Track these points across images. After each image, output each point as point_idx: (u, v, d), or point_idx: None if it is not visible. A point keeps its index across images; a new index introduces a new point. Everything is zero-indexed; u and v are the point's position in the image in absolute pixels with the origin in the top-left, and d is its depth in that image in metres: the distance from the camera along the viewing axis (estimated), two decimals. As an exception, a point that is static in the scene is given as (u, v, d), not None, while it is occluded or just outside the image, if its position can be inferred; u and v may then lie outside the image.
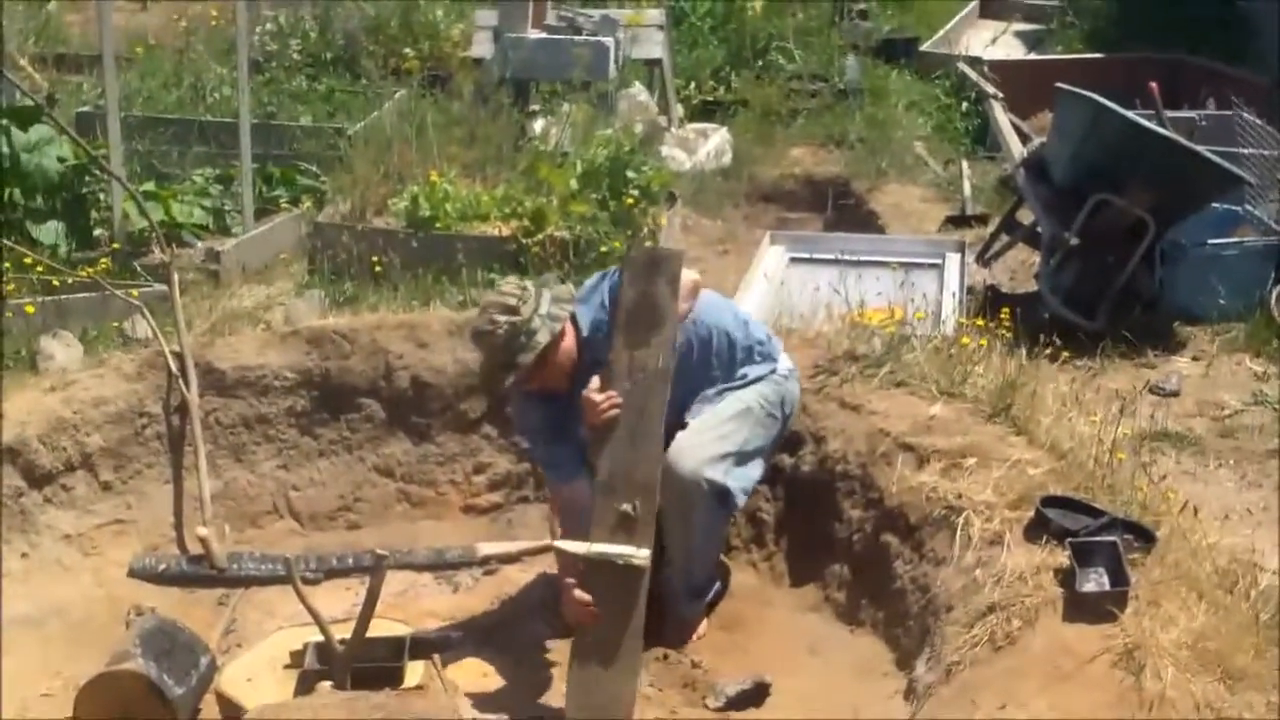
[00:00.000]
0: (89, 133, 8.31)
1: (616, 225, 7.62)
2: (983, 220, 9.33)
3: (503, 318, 4.61)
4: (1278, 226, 7.78)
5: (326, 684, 4.38)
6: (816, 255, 7.77)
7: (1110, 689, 3.69)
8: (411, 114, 9.30)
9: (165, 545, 5.69)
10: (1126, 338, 7.06)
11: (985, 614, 4.20)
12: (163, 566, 5.52)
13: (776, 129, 11.84)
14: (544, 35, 10.57)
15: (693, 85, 12.76)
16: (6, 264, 6.80)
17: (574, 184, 7.86)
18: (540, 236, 7.47)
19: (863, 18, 14.22)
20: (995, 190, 10.03)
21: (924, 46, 13.64)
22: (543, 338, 4.61)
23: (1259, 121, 8.29)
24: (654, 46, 11.31)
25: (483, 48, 10.99)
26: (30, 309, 6.35)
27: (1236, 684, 3.67)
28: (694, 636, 5.03)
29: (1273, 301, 7.46)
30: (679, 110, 11.82)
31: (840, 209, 10.37)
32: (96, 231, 7.85)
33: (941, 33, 14.02)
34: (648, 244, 4.51)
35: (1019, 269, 8.51)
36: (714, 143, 11.19)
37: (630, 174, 7.96)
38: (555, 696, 4.57)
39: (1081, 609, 4.02)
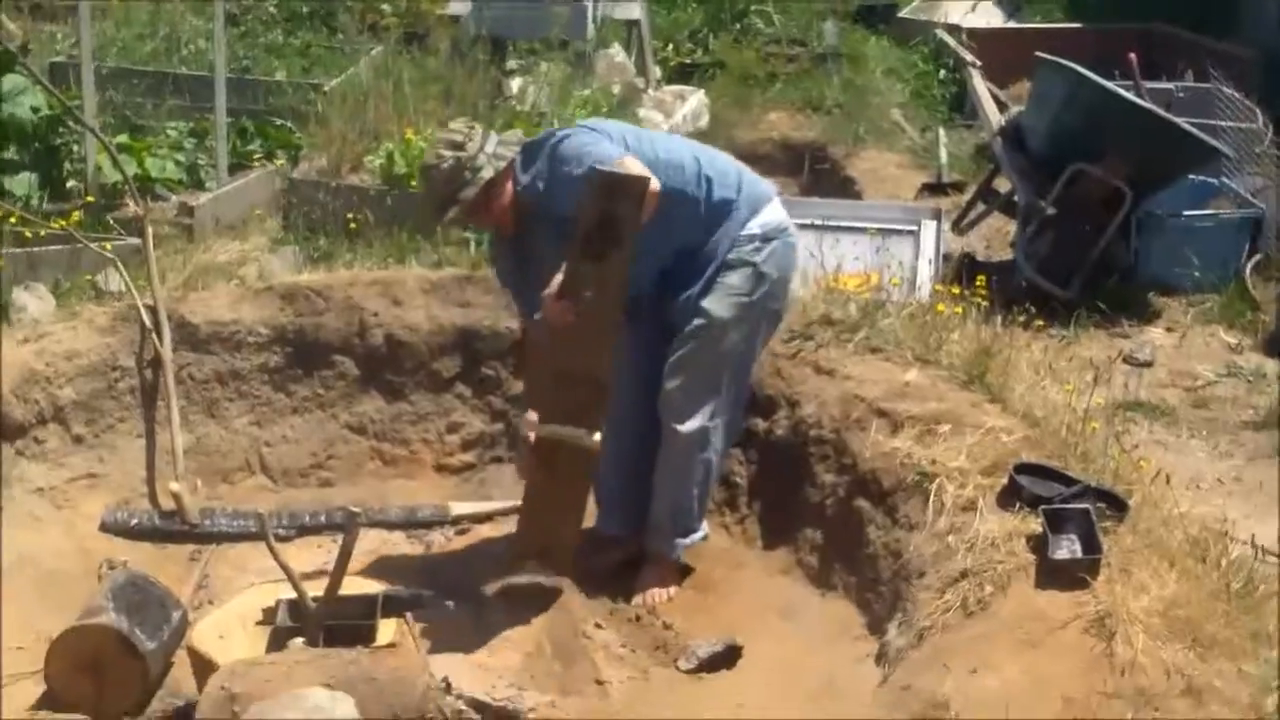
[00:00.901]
0: (63, 83, 8.23)
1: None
2: (959, 188, 9.35)
3: (449, 153, 4.74)
4: (1253, 199, 7.81)
5: (299, 641, 4.37)
6: (793, 219, 7.76)
7: (1082, 655, 3.71)
8: (388, 71, 9.25)
9: (137, 500, 5.66)
10: (1101, 307, 7.09)
11: (957, 579, 4.21)
12: (135, 521, 5.50)
13: (754, 93, 11.82)
14: (522, -6, 10.52)
15: (670, 47, 12.73)
16: (-22, 214, 6.75)
17: (551, 144, 7.81)
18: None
19: (842, -18, 14.20)
20: (972, 158, 10.05)
21: (903, 13, 13.63)
22: (486, 174, 4.73)
23: (1237, 95, 8.31)
24: (632, 7, 11.28)
25: (460, 5, 10.94)
26: (1, 263, 6.29)
27: (1207, 651, 3.69)
28: (670, 588, 5.07)
29: (1247, 273, 7.50)
30: (656, 72, 11.78)
31: (817, 174, 10.36)
32: (69, 183, 7.78)
33: (920, -1, 14.01)
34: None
35: (995, 237, 8.53)
36: (691, 105, 11.15)
37: (607, 135, 7.91)
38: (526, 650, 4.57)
39: (1054, 576, 4.03)
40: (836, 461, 5.19)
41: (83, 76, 7.53)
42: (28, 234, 6.58)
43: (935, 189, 9.41)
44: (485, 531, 5.57)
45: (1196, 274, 7.50)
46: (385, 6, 11.67)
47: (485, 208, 4.80)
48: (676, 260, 4.90)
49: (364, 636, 4.44)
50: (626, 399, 4.97)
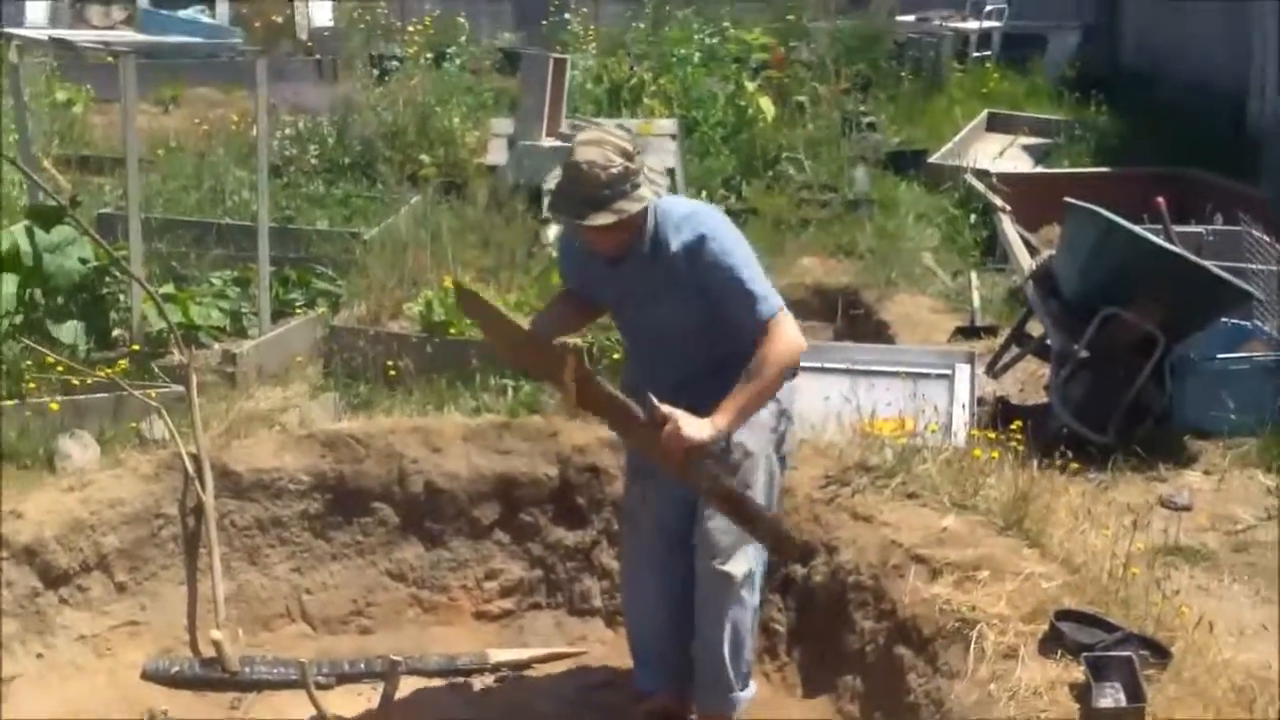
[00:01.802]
0: (110, 234, 8.40)
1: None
2: (992, 331, 9.37)
3: (619, 159, 4.45)
4: (1287, 342, 7.82)
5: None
6: (827, 364, 7.81)
7: (1127, 806, 3.69)
8: (427, 219, 9.40)
9: (179, 647, 5.70)
10: (1137, 451, 7.08)
11: (1000, 729, 4.20)
12: (176, 669, 5.53)
13: (787, 238, 11.92)
14: (558, 143, 10.71)
15: (704, 194, 12.87)
16: (27, 363, 6.85)
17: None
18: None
19: (871, 130, 14.39)
20: (1004, 302, 10.08)
21: (932, 158, 13.77)
22: (646, 193, 4.53)
23: (1266, 238, 8.36)
24: (666, 155, 11.45)
25: (498, 155, 11.14)
26: (54, 406, 6.39)
27: (1253, 803, 3.67)
28: None
29: (1284, 416, 7.48)
30: (691, 218, 11.90)
31: (850, 318, 10.41)
32: (115, 332, 7.90)
33: (949, 145, 14.15)
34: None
35: (1029, 381, 8.54)
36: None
37: (643, 281, 8.01)
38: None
39: (1097, 725, 4.02)
40: (875, 608, 5.19)
41: (130, 228, 7.68)
42: (75, 382, 6.68)
43: (968, 333, 9.45)
44: (525, 678, 5.56)
45: (1233, 417, 7.48)
46: (424, 157, 11.90)
47: (625, 229, 4.56)
48: (711, 378, 4.69)
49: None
50: (658, 550, 4.99)
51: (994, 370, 8.25)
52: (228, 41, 15.56)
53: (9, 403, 6.47)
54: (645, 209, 4.57)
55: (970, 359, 7.69)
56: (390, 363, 7.44)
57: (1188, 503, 6.74)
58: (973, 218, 12.17)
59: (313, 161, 11.98)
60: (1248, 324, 7.80)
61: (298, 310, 8.85)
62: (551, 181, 4.57)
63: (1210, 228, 9.72)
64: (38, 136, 10.91)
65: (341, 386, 7.48)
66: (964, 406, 7.32)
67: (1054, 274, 8.03)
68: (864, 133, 14.15)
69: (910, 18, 19.31)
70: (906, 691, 4.83)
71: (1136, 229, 7.57)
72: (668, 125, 11.88)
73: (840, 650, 5.29)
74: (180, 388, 6.58)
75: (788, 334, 4.62)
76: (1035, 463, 5.71)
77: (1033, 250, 9.65)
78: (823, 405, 6.34)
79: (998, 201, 11.00)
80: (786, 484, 5.21)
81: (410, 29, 15.69)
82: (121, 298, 7.95)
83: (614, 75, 14.57)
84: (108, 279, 7.93)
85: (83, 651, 5.48)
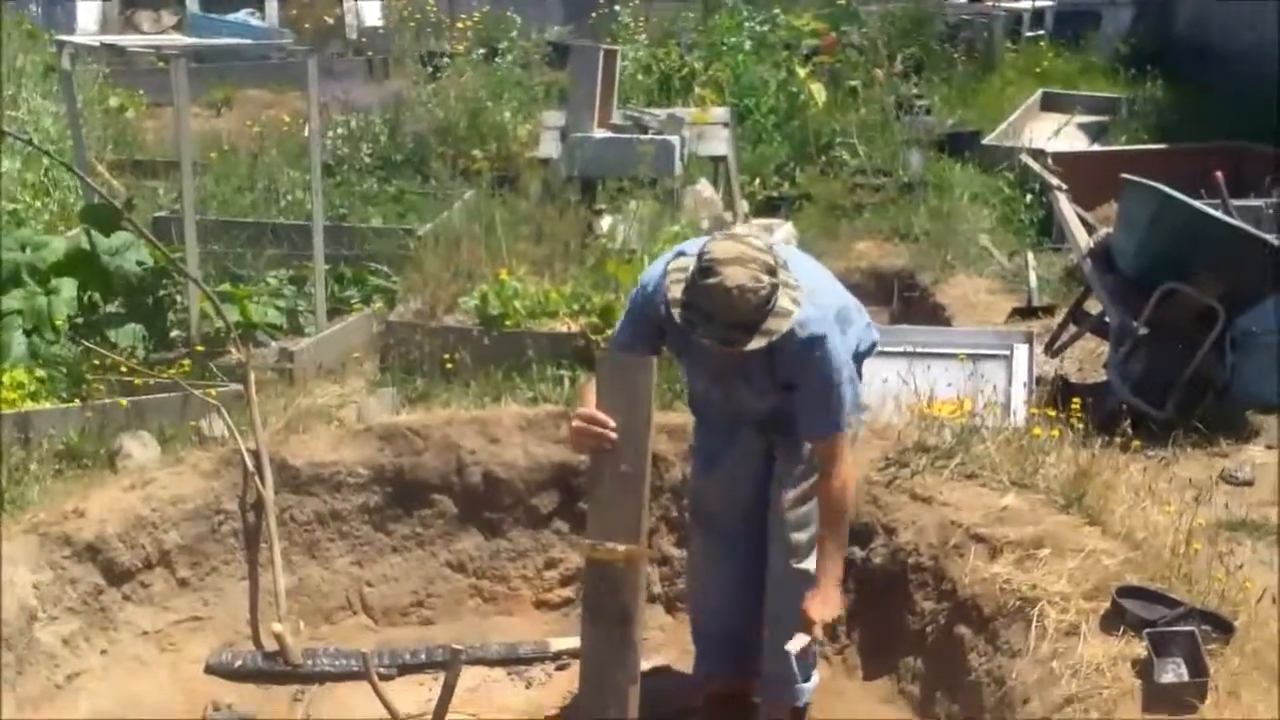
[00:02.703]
0: (166, 237, 8.47)
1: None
2: (1049, 311, 9.31)
3: (766, 277, 4.24)
4: (1348, 313, 7.72)
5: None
6: (884, 347, 7.76)
7: (1192, 781, 3.66)
8: (480, 213, 9.41)
9: (241, 641, 5.75)
10: (1198, 427, 7.01)
11: (1062, 706, 4.16)
12: (239, 663, 5.57)
13: (841, 223, 11.90)
14: (610, 134, 10.71)
15: (757, 181, 12.86)
16: (88, 364, 6.93)
17: (642, 280, 7.91)
18: (609, 333, 7.51)
19: (925, 112, 14.31)
20: (1061, 281, 10.02)
21: (986, 140, 13.68)
22: (790, 306, 4.31)
23: (1326, 209, 8.27)
24: (719, 143, 11.43)
25: (549, 147, 11.13)
26: (122, 404, 6.48)
27: (1320, 775, 3.62)
28: None
29: (1346, 388, 7.39)
30: (744, 205, 11.90)
31: (906, 301, 10.38)
32: (173, 333, 7.97)
33: (1004, 125, 14.07)
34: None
35: (1087, 359, 8.48)
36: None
37: (697, 269, 8.00)
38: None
39: (1160, 700, 3.98)
40: (936, 588, 5.17)
41: (185, 230, 7.75)
42: (135, 382, 6.75)
43: (1026, 313, 9.39)
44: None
45: (1295, 390, 7.41)
46: (476, 152, 11.92)
47: None
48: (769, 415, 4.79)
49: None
50: (728, 538, 4.99)
51: (1052, 349, 8.20)
52: (278, 43, 15.70)
53: (71, 404, 6.55)
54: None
55: (1028, 339, 7.63)
56: (447, 356, 7.47)
57: (1249, 477, 6.67)
58: (1028, 198, 12.11)
59: (365, 159, 12.03)
60: (1310, 296, 7.70)
61: (354, 307, 8.90)
62: (676, 283, 4.43)
63: (1269, 200, 9.62)
64: (91, 142, 11.01)
65: (398, 381, 7.52)
66: (1023, 385, 7.28)
67: (1112, 251, 7.96)
68: (917, 115, 14.07)
69: (962, -2, 19.19)
70: (967, 671, 4.81)
71: (1193, 203, 7.50)
72: (720, 113, 11.85)
73: (900, 631, 5.27)
74: (238, 386, 6.63)
75: (844, 465, 4.63)
76: (1095, 440, 5.65)
77: (1090, 228, 9.56)
78: (881, 387, 6.31)
79: (1053, 180, 10.88)
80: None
81: (460, 25, 15.73)
82: (179, 299, 8.02)
83: (664, 65, 14.57)
84: (165, 281, 8.00)
85: (146, 647, 5.54)
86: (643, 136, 10.57)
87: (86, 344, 7.12)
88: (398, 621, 6.07)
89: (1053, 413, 6.14)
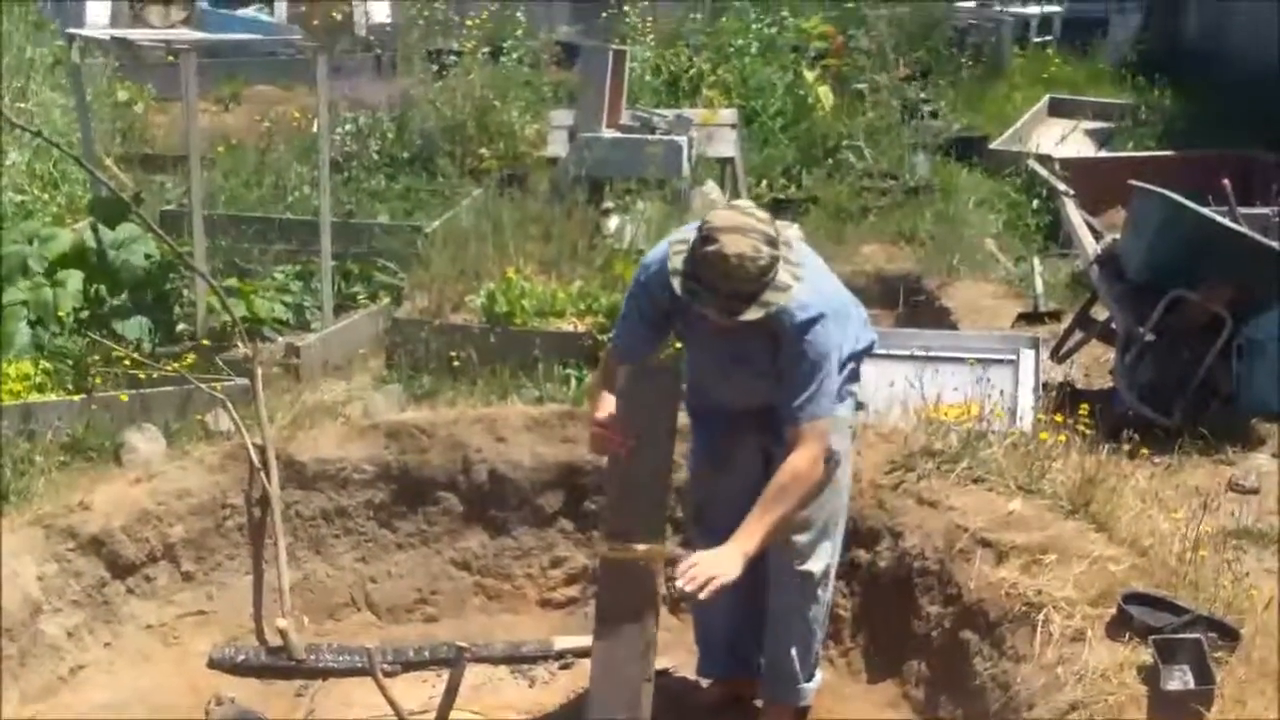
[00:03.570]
0: (174, 231, 8.48)
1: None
2: (1056, 317, 9.30)
3: (766, 249, 4.26)
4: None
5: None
6: (891, 351, 7.75)
7: (1197, 788, 3.65)
8: (488, 212, 9.41)
9: (245, 636, 5.75)
10: (1204, 434, 7.00)
11: (1067, 712, 4.17)
12: (242, 657, 5.58)
13: (847, 226, 11.88)
14: (618, 135, 10.71)
15: (764, 183, 12.84)
16: (93, 357, 6.92)
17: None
18: (615, 333, 7.52)
19: (932, 117, 14.30)
20: (1067, 287, 10.00)
21: (994, 144, 13.68)
22: (789, 279, 4.32)
23: (1334, 218, 8.25)
24: (727, 145, 11.45)
25: (558, 147, 11.15)
26: (124, 397, 6.47)
27: (1326, 784, 3.62)
28: None
29: (1354, 397, 7.38)
30: (750, 208, 11.88)
31: (912, 305, 10.36)
32: (179, 327, 7.97)
33: (1011, 130, 14.05)
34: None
35: (1094, 365, 8.47)
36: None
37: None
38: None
39: (1166, 707, 3.98)
40: (941, 593, 5.16)
41: (193, 224, 7.75)
42: (141, 376, 6.75)
43: (1032, 318, 9.38)
44: (589, 665, 5.55)
45: (1302, 399, 7.40)
46: (484, 150, 11.93)
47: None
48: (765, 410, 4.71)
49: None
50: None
51: (1059, 355, 8.19)
52: (287, 38, 15.69)
53: (76, 397, 6.55)
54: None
55: (1035, 344, 7.63)
56: (453, 354, 7.47)
57: (1256, 485, 6.66)
58: (1035, 203, 12.09)
59: (373, 156, 12.03)
60: (1316, 304, 7.68)
61: (360, 303, 8.90)
62: (677, 254, 4.41)
63: (1277, 209, 9.59)
64: (100, 136, 11.01)
65: (405, 378, 7.53)
66: (1030, 391, 7.27)
67: (1119, 257, 7.95)
68: (924, 120, 14.06)
69: (970, 3, 19.16)
70: (972, 675, 4.80)
71: (1202, 210, 7.49)
72: (728, 115, 11.88)
73: (905, 635, 5.27)
74: (245, 380, 6.63)
75: (817, 450, 4.52)
76: (1102, 446, 5.65)
77: (1097, 234, 9.55)
78: (887, 391, 6.30)
79: (1060, 185, 10.89)
80: (853, 469, 5.17)
81: (468, 24, 15.69)
82: (185, 293, 8.03)
83: (672, 66, 14.56)
84: (172, 275, 8.01)
85: (150, 640, 5.55)
86: (651, 137, 10.58)
87: (93, 336, 7.12)
88: (402, 619, 6.07)
89: (1060, 418, 6.13)
